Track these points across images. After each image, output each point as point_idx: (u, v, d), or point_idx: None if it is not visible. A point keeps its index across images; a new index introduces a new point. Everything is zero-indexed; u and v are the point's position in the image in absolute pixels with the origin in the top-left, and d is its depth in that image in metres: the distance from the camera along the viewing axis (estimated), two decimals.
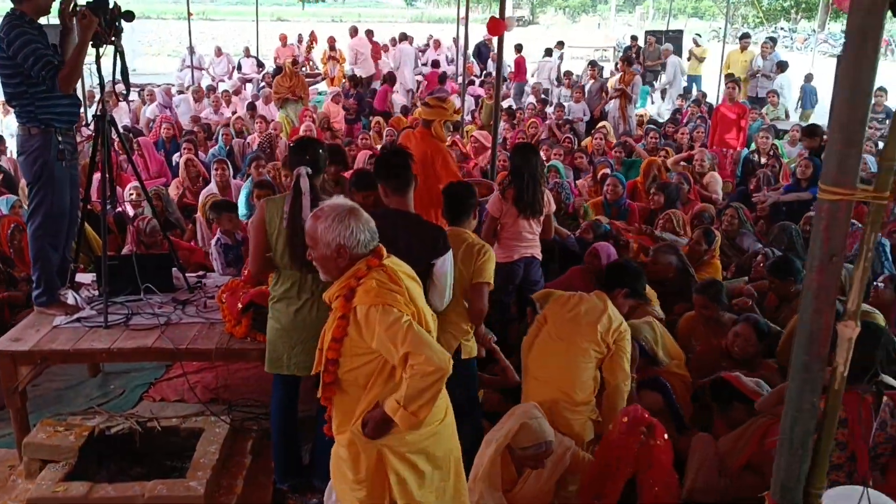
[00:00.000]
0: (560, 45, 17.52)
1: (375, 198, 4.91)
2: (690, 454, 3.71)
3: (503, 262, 5.14)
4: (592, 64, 13.74)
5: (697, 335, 4.84)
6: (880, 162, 1.49)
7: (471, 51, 16.78)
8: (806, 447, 1.57)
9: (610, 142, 10.35)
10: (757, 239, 6.61)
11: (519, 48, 16.51)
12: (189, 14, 15.81)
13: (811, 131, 8.59)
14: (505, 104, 13.37)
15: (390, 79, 14.79)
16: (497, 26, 5.89)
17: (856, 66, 1.35)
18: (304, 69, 17.10)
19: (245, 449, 4.31)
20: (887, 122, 11.21)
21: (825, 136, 8.93)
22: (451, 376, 3.78)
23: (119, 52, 4.44)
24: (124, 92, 5.05)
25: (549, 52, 17.09)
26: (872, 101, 8.67)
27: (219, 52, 17.99)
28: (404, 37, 17.24)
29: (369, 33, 17.06)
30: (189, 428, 4.35)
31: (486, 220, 5.24)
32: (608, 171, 7.95)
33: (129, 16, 4.46)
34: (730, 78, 12.26)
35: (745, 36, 15.56)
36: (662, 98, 16.26)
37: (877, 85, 10.83)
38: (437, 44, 18.86)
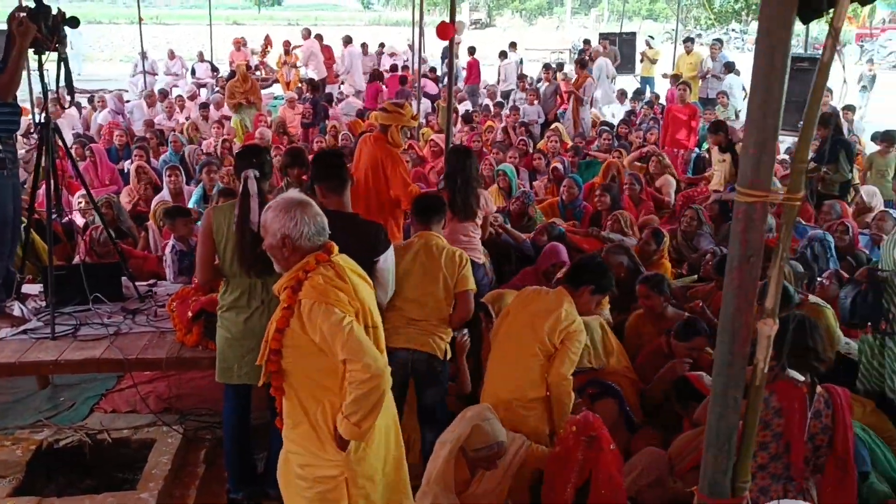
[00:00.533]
0: (513, 45, 17.59)
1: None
2: (633, 459, 3.80)
3: None
4: (547, 66, 13.86)
5: (644, 332, 4.91)
6: (793, 165, 1.55)
7: (440, 54, 16.87)
8: (731, 442, 1.62)
9: (565, 143, 10.46)
10: (713, 240, 6.72)
11: (472, 51, 16.60)
12: (140, 19, 15.55)
13: (715, 128, 8.66)
14: (462, 108, 13.44)
15: (378, 76, 14.82)
16: (446, 30, 5.91)
17: (767, 74, 1.40)
18: (258, 73, 16.97)
19: (198, 458, 4.28)
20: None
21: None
22: (431, 376, 3.93)
23: (63, 59, 4.38)
24: (69, 98, 4.96)
25: (503, 55, 17.21)
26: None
27: (172, 56, 17.78)
28: (349, 40, 17.22)
29: (319, 37, 17.03)
30: (140, 439, 4.30)
31: None
32: (559, 165, 8.03)
33: (74, 22, 4.40)
34: (676, 80, 12.48)
35: (689, 39, 15.79)
36: (620, 102, 16.47)
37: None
38: (392, 54, 18.86)
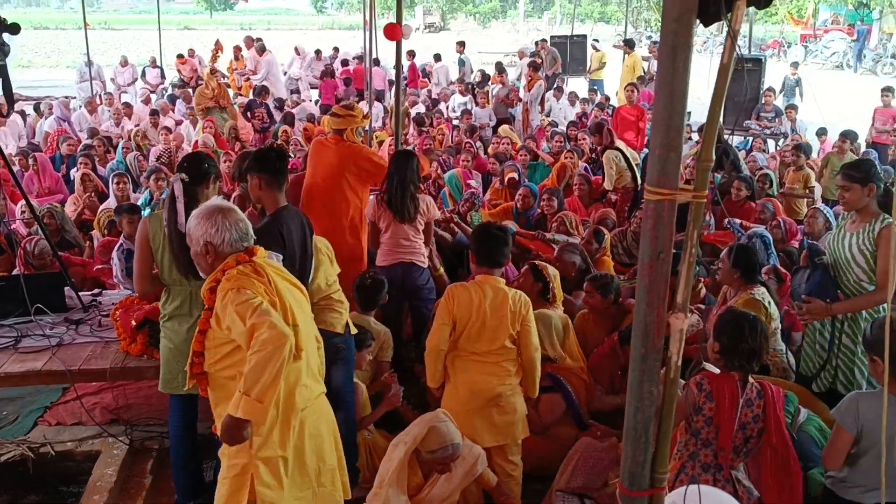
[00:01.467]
0: (461, 45, 17.68)
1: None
2: (568, 456, 3.89)
3: (382, 266, 5.27)
4: (500, 69, 13.95)
5: (587, 331, 4.99)
6: (698, 163, 1.60)
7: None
8: (648, 434, 1.66)
9: (515, 144, 10.54)
10: None
11: (412, 54, 16.70)
12: (85, 24, 15.24)
13: (595, 128, 8.70)
14: (416, 111, 13.45)
15: (330, 73, 14.78)
16: (394, 31, 5.93)
17: (670, 75, 1.45)
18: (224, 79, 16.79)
19: (145, 469, 4.22)
20: (776, 119, 11.79)
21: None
22: (333, 353, 3.89)
23: (1, 66, 4.29)
24: (8, 107, 4.87)
25: (437, 58, 17.35)
26: (762, 101, 9.08)
27: (125, 63, 17.50)
28: (263, 48, 17.28)
29: (248, 41, 17.06)
30: (85, 451, 4.24)
31: (369, 227, 5.39)
32: (515, 175, 8.08)
33: (14, 28, 4.31)
34: (642, 81, 12.68)
35: (629, 42, 16.02)
36: (571, 104, 16.62)
37: (767, 84, 11.32)
38: (345, 61, 18.82)
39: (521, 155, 9.62)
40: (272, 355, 2.56)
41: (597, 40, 18.44)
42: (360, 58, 17.54)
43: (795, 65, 14.48)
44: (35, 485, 4.14)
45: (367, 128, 5.85)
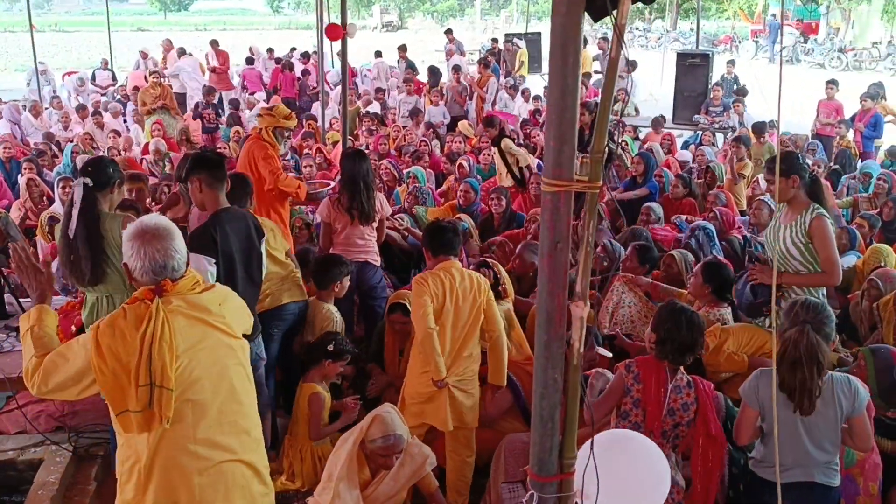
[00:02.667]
0: (402, 48, 17.75)
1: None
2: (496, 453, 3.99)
3: None
4: (455, 68, 13.97)
5: None
6: (591, 155, 1.64)
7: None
8: (555, 420, 1.70)
9: (470, 140, 10.58)
10: (611, 234, 6.92)
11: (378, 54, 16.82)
12: (31, 26, 14.92)
13: (487, 122, 8.68)
14: (371, 111, 13.43)
15: (289, 66, 14.57)
16: (335, 32, 5.95)
17: (561, 70, 1.49)
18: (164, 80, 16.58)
19: (89, 476, 4.17)
20: (724, 113, 12.01)
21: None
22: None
23: None
24: None
25: (378, 54, 17.37)
26: (711, 95, 9.26)
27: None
28: (183, 52, 17.23)
29: (214, 43, 16.95)
30: (27, 460, 4.18)
31: (321, 227, 5.41)
32: (465, 164, 8.16)
33: None
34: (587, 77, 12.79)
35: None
36: (526, 101, 16.73)
37: (715, 79, 11.51)
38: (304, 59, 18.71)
39: (483, 156, 9.59)
40: (33, 369, 2.55)
41: (520, 37, 18.45)
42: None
43: (732, 63, 14.59)
44: None
45: (291, 128, 5.92)
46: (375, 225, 5.35)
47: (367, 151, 6.57)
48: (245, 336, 2.88)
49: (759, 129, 9.89)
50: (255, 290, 4.10)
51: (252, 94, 16.23)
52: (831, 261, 4.09)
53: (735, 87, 13.83)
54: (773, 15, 32.32)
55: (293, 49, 19.90)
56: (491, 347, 4.09)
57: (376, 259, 5.37)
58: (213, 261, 3.68)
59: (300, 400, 4.43)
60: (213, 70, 15.99)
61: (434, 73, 14.42)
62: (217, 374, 2.65)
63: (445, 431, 4.05)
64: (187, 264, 2.73)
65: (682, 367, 3.24)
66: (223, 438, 2.66)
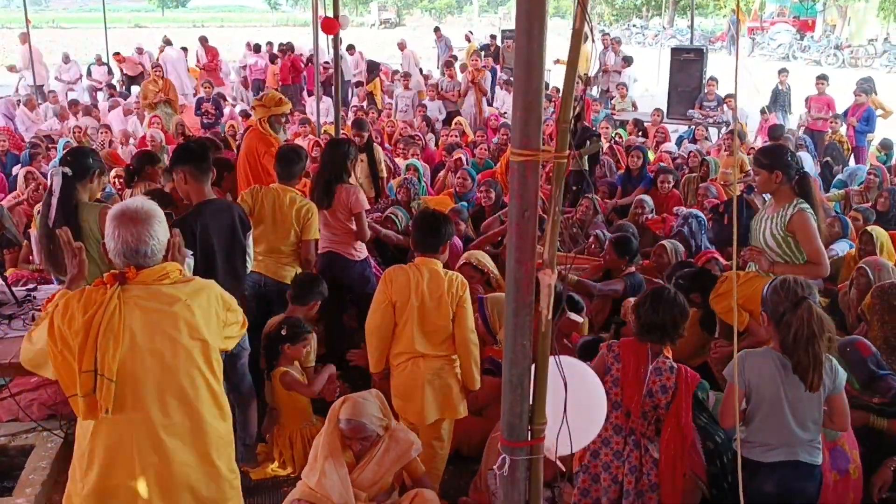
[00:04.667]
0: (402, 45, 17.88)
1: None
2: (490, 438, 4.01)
3: (319, 254, 5.29)
4: (448, 64, 14.02)
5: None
6: (558, 125, 1.68)
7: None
8: (524, 386, 1.74)
9: (466, 135, 10.62)
10: (606, 228, 6.97)
11: (352, 49, 16.95)
12: (27, 21, 14.96)
13: (356, 125, 8.56)
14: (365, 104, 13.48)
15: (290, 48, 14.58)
16: (331, 25, 5.98)
17: (527, 41, 1.52)
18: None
19: None
20: (718, 108, 12.05)
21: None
22: (281, 298, 4.55)
23: None
24: None
25: (350, 49, 17.46)
26: (705, 90, 9.34)
27: (66, 59, 17.20)
28: (169, 42, 17.31)
29: (203, 39, 17.22)
30: (19, 446, 4.21)
31: None
32: (462, 156, 8.20)
33: None
34: None
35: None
36: None
37: (710, 75, 11.53)
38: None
39: (479, 150, 9.63)
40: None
41: (471, 31, 18.49)
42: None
43: (785, 72, 13.42)
44: None
45: (286, 113, 5.93)
46: (347, 219, 5.19)
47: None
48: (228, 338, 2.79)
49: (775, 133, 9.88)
50: (238, 284, 4.08)
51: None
52: (818, 252, 4.09)
53: (788, 99, 12.96)
54: (733, 10, 32.08)
55: (289, 43, 19.92)
56: (458, 351, 4.01)
57: (351, 252, 5.25)
58: (191, 253, 3.68)
59: (276, 389, 4.46)
60: (203, 67, 16.02)
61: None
62: (166, 375, 2.54)
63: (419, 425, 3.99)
64: (167, 253, 2.65)
65: (666, 351, 3.27)
66: (169, 440, 2.55)
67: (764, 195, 5.12)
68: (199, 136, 11.31)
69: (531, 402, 1.74)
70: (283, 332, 4.45)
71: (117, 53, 17.38)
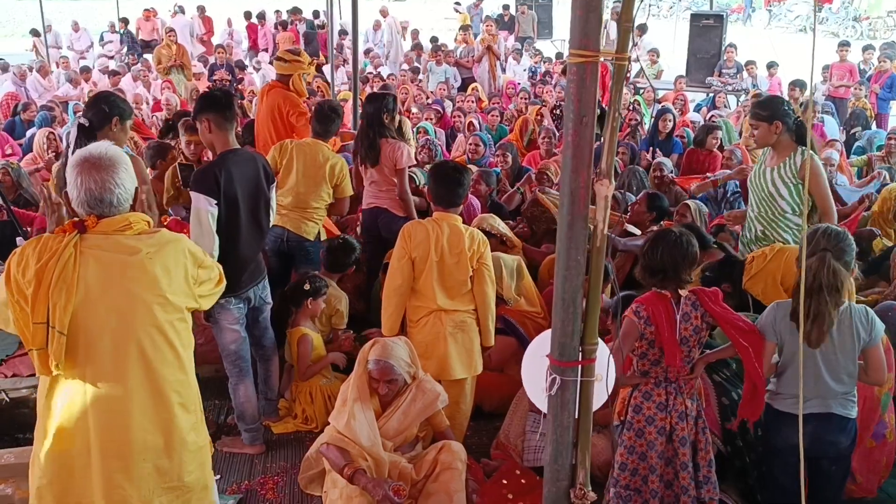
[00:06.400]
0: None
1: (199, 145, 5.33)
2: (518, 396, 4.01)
3: (362, 210, 5.37)
4: (463, 29, 13.86)
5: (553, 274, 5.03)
6: (619, 25, 1.60)
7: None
8: (577, 304, 1.67)
9: (481, 101, 10.51)
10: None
11: (384, 12, 16.71)
12: None
13: None
14: (385, 72, 13.35)
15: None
16: None
17: None
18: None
19: None
20: (738, 75, 11.87)
21: None
22: (301, 253, 4.76)
23: None
24: None
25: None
26: (724, 57, 9.20)
27: (76, 28, 17.12)
28: (182, 9, 17.20)
29: (201, 9, 17.08)
30: None
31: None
32: (475, 121, 8.10)
33: None
34: None
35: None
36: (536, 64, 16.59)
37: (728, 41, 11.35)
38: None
39: (491, 116, 9.55)
40: None
41: (458, 2, 18.11)
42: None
43: (871, 48, 12.24)
44: (3, 429, 4.09)
45: (311, 74, 5.92)
46: (391, 175, 5.14)
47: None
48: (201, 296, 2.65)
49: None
50: (260, 236, 4.03)
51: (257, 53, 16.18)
52: (827, 198, 4.14)
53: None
54: None
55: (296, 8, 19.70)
56: (477, 304, 3.98)
57: (393, 207, 5.18)
58: (215, 202, 3.61)
59: (291, 344, 4.45)
60: (199, 40, 15.94)
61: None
62: (123, 332, 2.40)
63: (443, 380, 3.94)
64: (134, 202, 2.51)
65: (684, 291, 3.17)
66: (126, 402, 2.42)
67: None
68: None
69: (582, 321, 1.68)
70: (306, 287, 4.43)
71: (147, 10, 17.24)
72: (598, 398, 1.87)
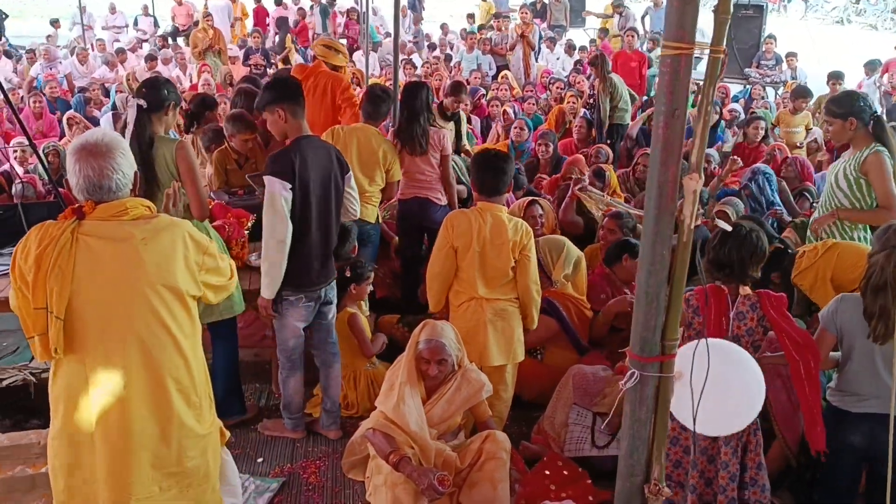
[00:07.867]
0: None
1: (254, 141, 5.29)
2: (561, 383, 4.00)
3: (400, 200, 5.30)
4: (497, 16, 13.79)
5: (595, 265, 5.01)
6: (716, 16, 1.56)
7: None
8: (660, 299, 1.65)
9: (514, 88, 10.47)
10: None
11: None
12: None
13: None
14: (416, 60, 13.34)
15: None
16: None
17: None
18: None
19: None
20: (776, 67, 11.69)
21: None
22: (363, 237, 4.66)
23: None
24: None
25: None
26: (763, 48, 9.08)
27: (113, 10, 17.25)
28: None
29: None
30: None
31: None
32: (510, 110, 8.09)
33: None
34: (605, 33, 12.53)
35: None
36: (569, 54, 16.46)
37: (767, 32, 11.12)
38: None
39: (527, 104, 9.51)
40: None
41: None
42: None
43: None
44: (37, 409, 4.14)
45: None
46: (437, 162, 5.15)
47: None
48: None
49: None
50: (331, 225, 3.90)
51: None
52: (889, 195, 4.03)
53: None
54: None
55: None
56: (521, 299, 3.98)
57: (439, 197, 5.19)
58: (289, 186, 3.57)
59: (340, 328, 4.45)
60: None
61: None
62: (118, 319, 2.39)
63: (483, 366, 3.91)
64: (135, 186, 2.51)
65: (745, 290, 3.13)
66: (126, 389, 2.41)
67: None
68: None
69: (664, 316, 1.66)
70: (348, 274, 4.44)
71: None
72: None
